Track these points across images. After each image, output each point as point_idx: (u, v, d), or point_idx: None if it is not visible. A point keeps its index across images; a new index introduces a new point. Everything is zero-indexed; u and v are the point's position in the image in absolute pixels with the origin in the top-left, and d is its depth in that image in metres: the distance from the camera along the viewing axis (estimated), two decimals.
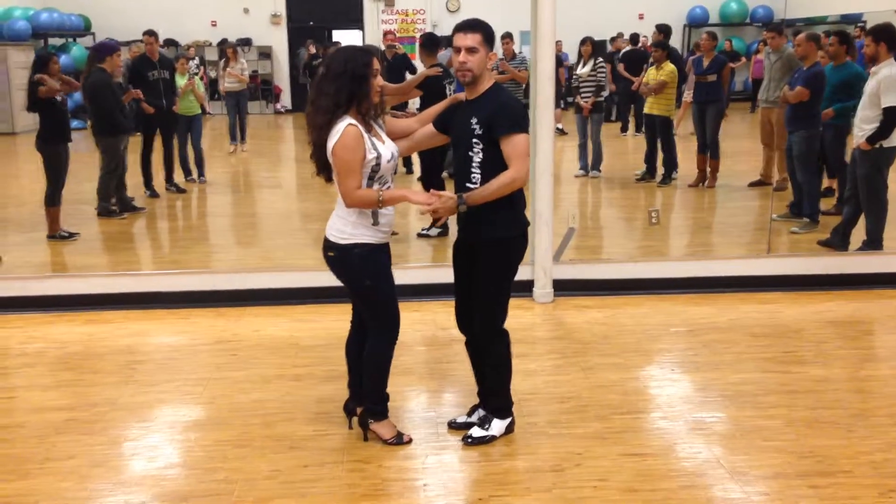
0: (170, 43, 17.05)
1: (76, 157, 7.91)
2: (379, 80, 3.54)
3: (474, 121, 3.56)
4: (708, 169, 9.42)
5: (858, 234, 6.52)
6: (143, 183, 9.32)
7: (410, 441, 3.82)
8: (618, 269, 6.21)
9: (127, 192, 8.76)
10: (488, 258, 3.67)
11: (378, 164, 3.49)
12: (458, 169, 3.65)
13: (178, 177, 9.89)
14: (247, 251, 7.55)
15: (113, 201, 8.45)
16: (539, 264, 5.76)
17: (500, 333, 3.79)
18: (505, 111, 3.53)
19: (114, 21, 16.83)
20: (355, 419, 3.89)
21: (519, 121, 3.55)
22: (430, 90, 6.94)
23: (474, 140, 3.57)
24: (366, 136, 3.46)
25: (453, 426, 3.97)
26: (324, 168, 3.56)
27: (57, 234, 7.48)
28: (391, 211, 3.62)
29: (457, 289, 3.88)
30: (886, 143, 6.17)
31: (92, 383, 4.59)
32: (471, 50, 3.52)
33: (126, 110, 8.42)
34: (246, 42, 18.56)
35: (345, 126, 3.40)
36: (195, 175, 10.20)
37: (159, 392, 4.46)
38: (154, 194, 9.36)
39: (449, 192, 3.57)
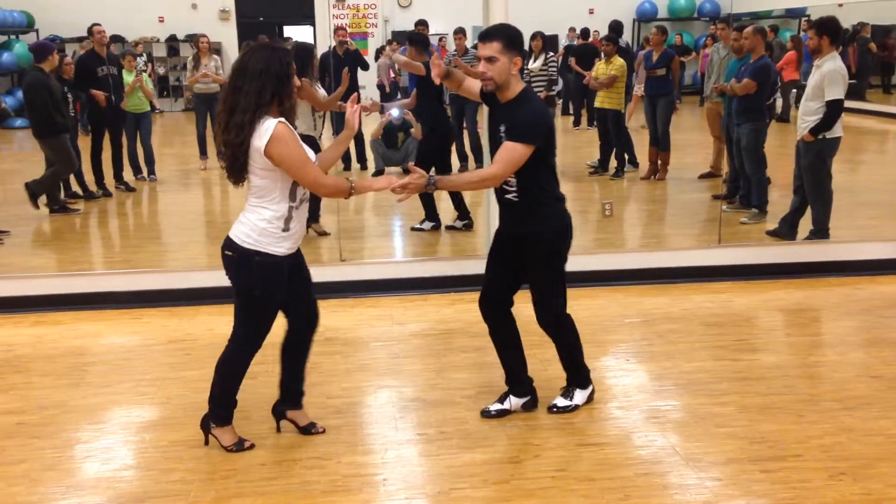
0: (116, 39, 16.71)
1: (21, 157, 7.73)
2: (296, 81, 3.48)
3: (502, 128, 3.59)
4: (658, 161, 9.53)
5: (805, 223, 6.65)
6: (95, 181, 9.14)
7: (252, 447, 3.73)
8: (573, 261, 6.10)
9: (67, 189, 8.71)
10: (533, 253, 3.74)
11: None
12: None
13: (128, 175, 9.71)
14: (200, 249, 7.44)
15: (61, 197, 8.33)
16: None
17: (563, 320, 3.89)
18: (521, 120, 3.52)
19: (58, 17, 16.41)
20: (284, 422, 3.88)
21: (528, 133, 3.51)
22: (425, 87, 7.29)
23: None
24: (296, 135, 3.38)
25: (486, 415, 3.97)
26: (238, 170, 3.41)
27: None
28: (303, 219, 3.54)
29: (490, 276, 3.89)
30: (829, 134, 6.29)
31: (41, 386, 4.50)
32: (490, 59, 3.50)
33: (64, 110, 8.21)
34: (193, 38, 18.30)
35: (274, 124, 3.29)
36: (145, 173, 10.01)
37: (112, 393, 4.39)
38: (106, 193, 9.19)
39: (421, 171, 3.52)
